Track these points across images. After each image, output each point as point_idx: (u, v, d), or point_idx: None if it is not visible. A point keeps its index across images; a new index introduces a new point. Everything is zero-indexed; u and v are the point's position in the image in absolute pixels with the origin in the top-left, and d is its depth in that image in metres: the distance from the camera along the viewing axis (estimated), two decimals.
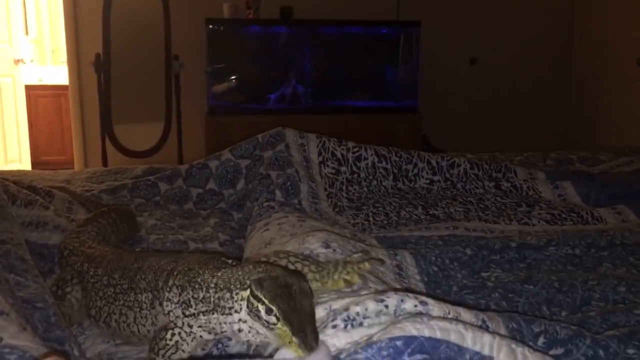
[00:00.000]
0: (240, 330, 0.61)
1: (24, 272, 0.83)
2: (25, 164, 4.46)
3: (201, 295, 0.65)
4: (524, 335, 0.67)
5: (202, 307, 0.65)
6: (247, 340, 0.62)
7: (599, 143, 3.73)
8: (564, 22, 4.13)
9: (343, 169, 1.40)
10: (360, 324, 0.56)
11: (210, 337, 0.67)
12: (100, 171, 1.69)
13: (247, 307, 0.59)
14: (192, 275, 0.68)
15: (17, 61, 4.46)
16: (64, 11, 3.62)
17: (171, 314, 0.70)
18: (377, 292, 0.64)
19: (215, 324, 0.64)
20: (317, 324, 0.59)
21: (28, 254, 0.92)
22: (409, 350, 0.52)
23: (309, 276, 0.69)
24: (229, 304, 0.61)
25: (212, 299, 0.64)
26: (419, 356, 0.52)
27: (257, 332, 0.59)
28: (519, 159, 1.73)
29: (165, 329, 0.69)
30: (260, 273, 0.60)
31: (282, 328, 0.55)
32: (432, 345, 0.54)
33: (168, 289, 0.70)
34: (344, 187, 1.36)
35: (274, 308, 0.56)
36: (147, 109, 3.56)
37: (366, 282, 0.69)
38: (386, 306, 0.58)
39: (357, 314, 0.57)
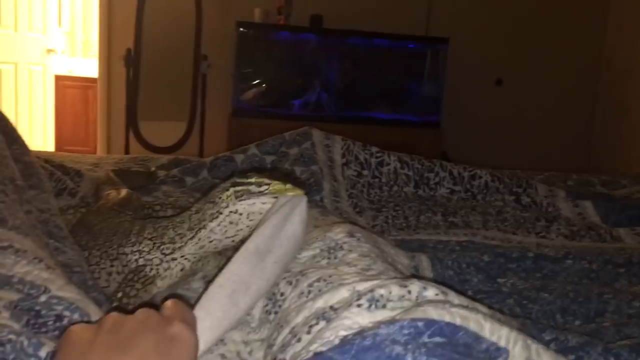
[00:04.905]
0: (230, 222, 0.73)
1: (61, 239, 0.86)
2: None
3: (176, 233, 0.79)
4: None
5: (184, 236, 0.78)
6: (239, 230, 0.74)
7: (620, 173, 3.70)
8: (593, 50, 4.12)
9: (365, 172, 1.42)
10: (384, 306, 0.58)
11: (193, 259, 0.79)
12: (127, 158, 1.73)
13: (235, 196, 0.72)
14: (156, 226, 0.81)
15: (49, 51, 4.55)
16: (99, 4, 3.70)
17: (145, 261, 0.81)
18: (401, 277, 0.66)
19: (203, 240, 0.76)
20: (341, 305, 0.61)
21: (64, 224, 0.94)
22: (429, 332, 0.54)
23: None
24: (215, 209, 0.74)
25: (188, 227, 0.77)
26: (438, 339, 0.54)
27: (251, 209, 0.72)
28: (540, 177, 1.73)
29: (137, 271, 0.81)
30: (231, 181, 0.75)
31: (275, 185, 0.71)
32: (451, 331, 0.55)
33: (140, 244, 0.81)
34: (365, 190, 1.38)
35: (262, 178, 0.72)
36: (172, 107, 3.62)
37: None
38: (409, 291, 0.60)
39: (382, 296, 0.58)
